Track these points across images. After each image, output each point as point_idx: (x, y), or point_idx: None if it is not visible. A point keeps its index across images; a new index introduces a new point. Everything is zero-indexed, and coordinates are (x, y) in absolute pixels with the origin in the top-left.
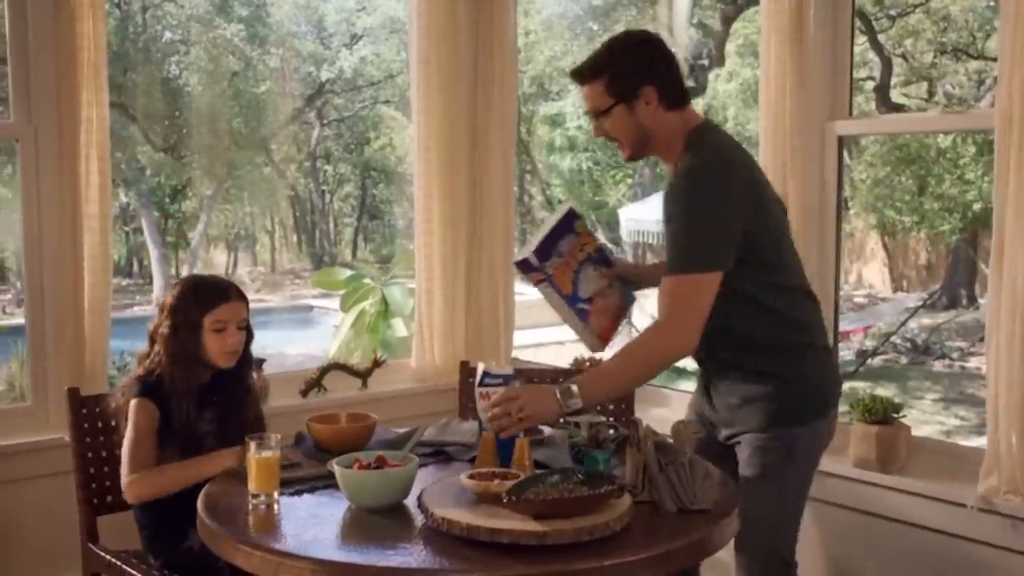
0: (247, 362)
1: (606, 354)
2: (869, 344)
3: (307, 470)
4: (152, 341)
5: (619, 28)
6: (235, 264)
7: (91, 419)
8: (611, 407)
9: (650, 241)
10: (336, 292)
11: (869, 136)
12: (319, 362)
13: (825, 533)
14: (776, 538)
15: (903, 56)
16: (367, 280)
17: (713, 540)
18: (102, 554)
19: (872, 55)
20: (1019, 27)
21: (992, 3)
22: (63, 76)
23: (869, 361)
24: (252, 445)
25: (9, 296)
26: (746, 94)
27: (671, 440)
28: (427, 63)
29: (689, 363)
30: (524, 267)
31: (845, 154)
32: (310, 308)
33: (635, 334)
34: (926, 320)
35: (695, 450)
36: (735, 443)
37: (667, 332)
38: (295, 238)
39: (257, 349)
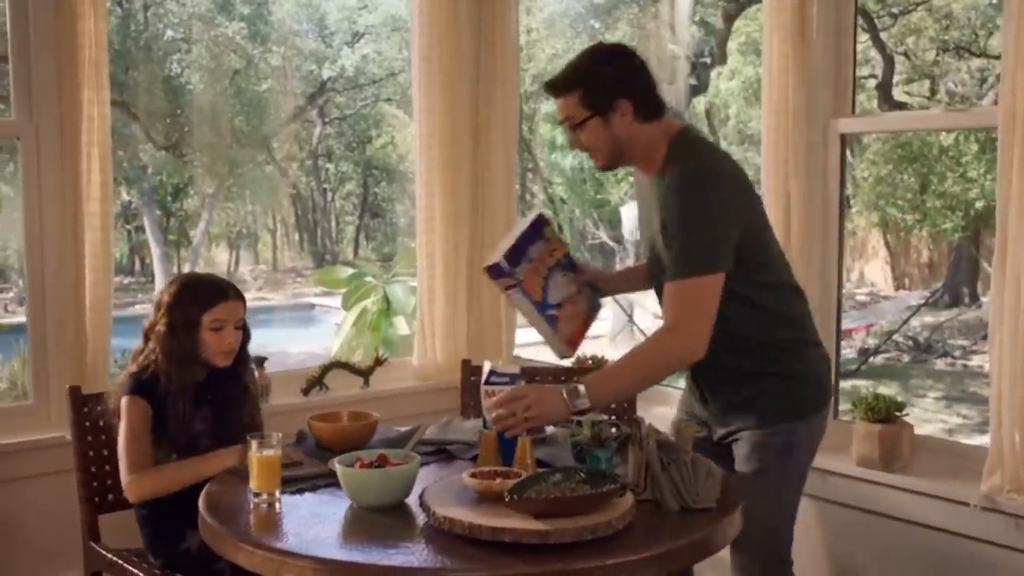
0: (244, 362)
1: (618, 354)
2: (871, 342)
3: (309, 469)
4: (147, 338)
5: (621, 26)
6: (237, 262)
7: (92, 417)
8: (613, 405)
9: None
10: (338, 290)
11: (871, 134)
12: (321, 360)
13: (828, 532)
14: (775, 537)
15: (905, 54)
16: (369, 278)
17: (716, 539)
18: (103, 553)
19: (874, 53)
20: (1023, 24)
21: (995, 1)
22: (64, 74)
23: (871, 359)
24: (254, 444)
25: (11, 294)
26: (748, 92)
27: (673, 439)
28: (429, 61)
29: None
30: (494, 272)
31: (847, 152)
32: (312, 306)
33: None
34: (928, 318)
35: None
36: (732, 440)
37: (678, 337)
38: (297, 236)
39: (259, 347)
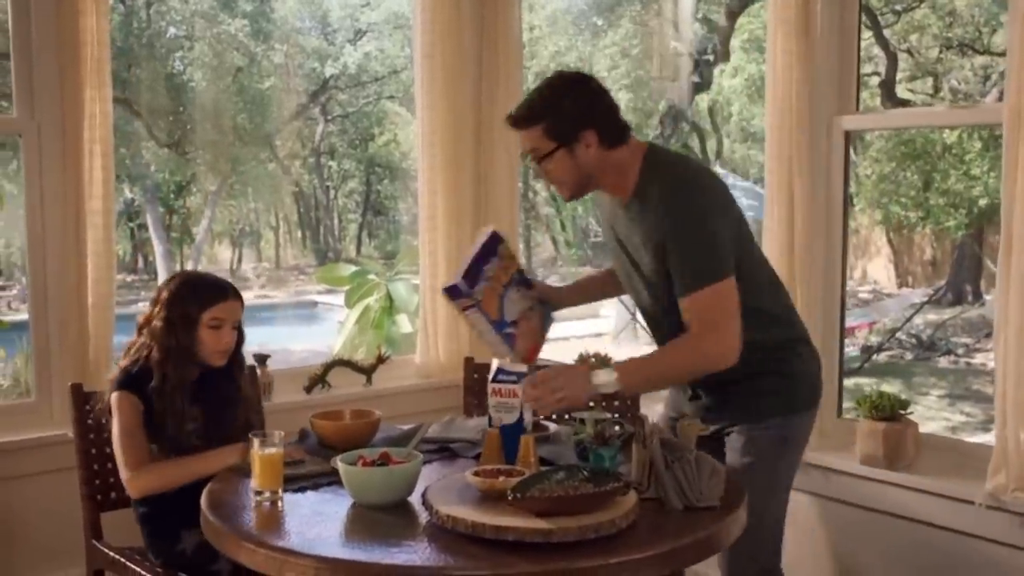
0: (239, 363)
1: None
2: (874, 340)
3: (311, 467)
4: (140, 331)
5: (624, 23)
6: (239, 260)
7: (95, 415)
8: (616, 403)
9: None
10: (341, 288)
11: (874, 131)
12: (323, 358)
13: (832, 530)
14: (764, 533)
15: (908, 51)
16: (372, 276)
17: (720, 537)
18: (105, 551)
19: (877, 50)
20: None
21: None
22: (66, 71)
23: (874, 357)
24: (256, 442)
25: (14, 292)
26: (751, 89)
27: (677, 437)
28: (431, 58)
29: None
30: (453, 293)
31: (850, 150)
32: (314, 304)
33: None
34: (931, 316)
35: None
36: (725, 434)
37: (715, 341)
38: (299, 234)
39: (261, 345)
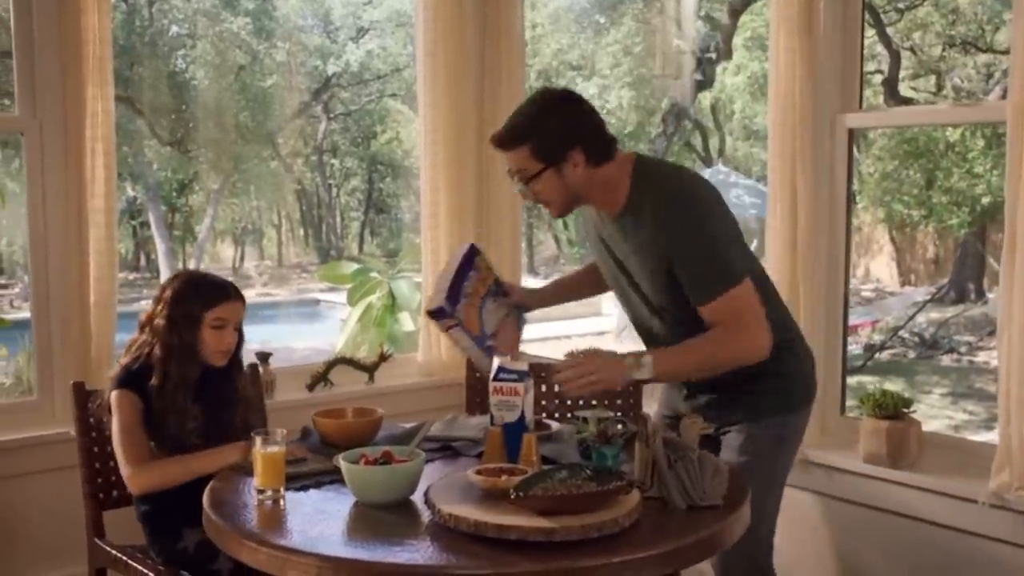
0: (238, 364)
1: None
2: (877, 338)
3: (313, 465)
4: (142, 329)
5: (626, 21)
6: (242, 258)
7: (97, 414)
8: (619, 402)
9: None
10: (343, 286)
11: (877, 129)
12: (326, 356)
13: (835, 529)
14: (760, 534)
15: (911, 49)
16: (374, 274)
17: (723, 536)
18: (108, 549)
19: (880, 48)
20: None
21: None
22: (68, 70)
23: (877, 355)
24: (258, 440)
25: (17, 290)
26: (754, 87)
27: (680, 436)
28: (434, 56)
29: None
30: (437, 315)
31: (854, 147)
32: (317, 302)
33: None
34: (934, 314)
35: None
36: (723, 433)
37: (746, 340)
38: (302, 232)
39: (263, 343)
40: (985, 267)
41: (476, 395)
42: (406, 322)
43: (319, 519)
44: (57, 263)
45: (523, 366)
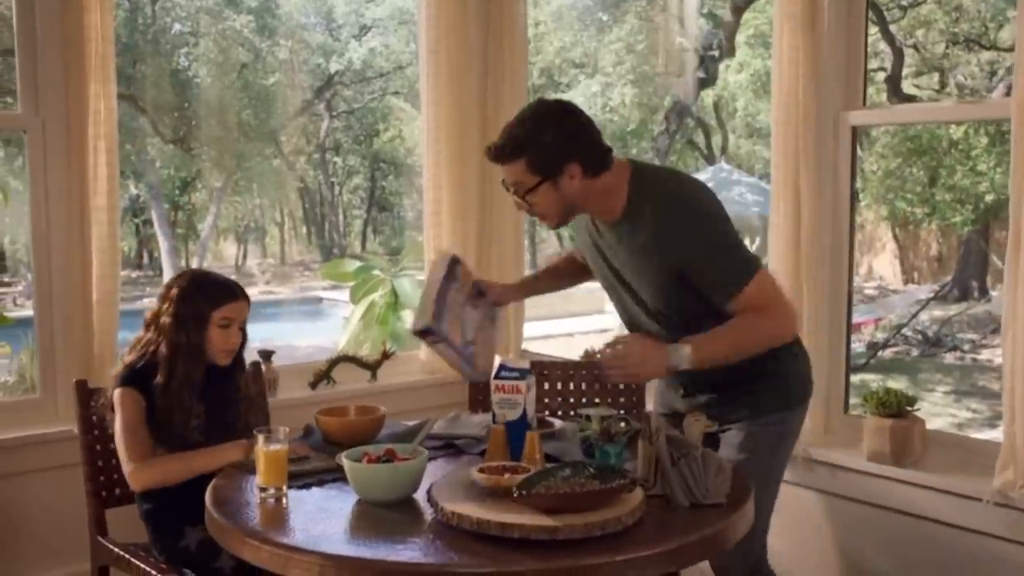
0: (240, 364)
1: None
2: (880, 336)
3: (315, 463)
4: (148, 327)
5: (629, 19)
6: (245, 256)
7: (99, 412)
8: (622, 399)
9: None
10: (345, 284)
11: (880, 127)
12: (328, 354)
13: (838, 527)
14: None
15: (915, 47)
16: (377, 272)
17: (726, 534)
18: (110, 547)
19: (883, 46)
20: None
21: None
22: (71, 68)
23: (880, 353)
24: (260, 438)
25: (20, 288)
26: (756, 85)
27: (683, 433)
28: (436, 54)
29: None
30: (425, 335)
31: (856, 145)
32: (319, 300)
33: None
34: (937, 312)
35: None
36: (722, 431)
37: (776, 324)
38: (304, 230)
39: (266, 341)
40: (988, 265)
41: (479, 393)
42: (409, 320)
43: (321, 517)
44: (60, 261)
45: (525, 364)
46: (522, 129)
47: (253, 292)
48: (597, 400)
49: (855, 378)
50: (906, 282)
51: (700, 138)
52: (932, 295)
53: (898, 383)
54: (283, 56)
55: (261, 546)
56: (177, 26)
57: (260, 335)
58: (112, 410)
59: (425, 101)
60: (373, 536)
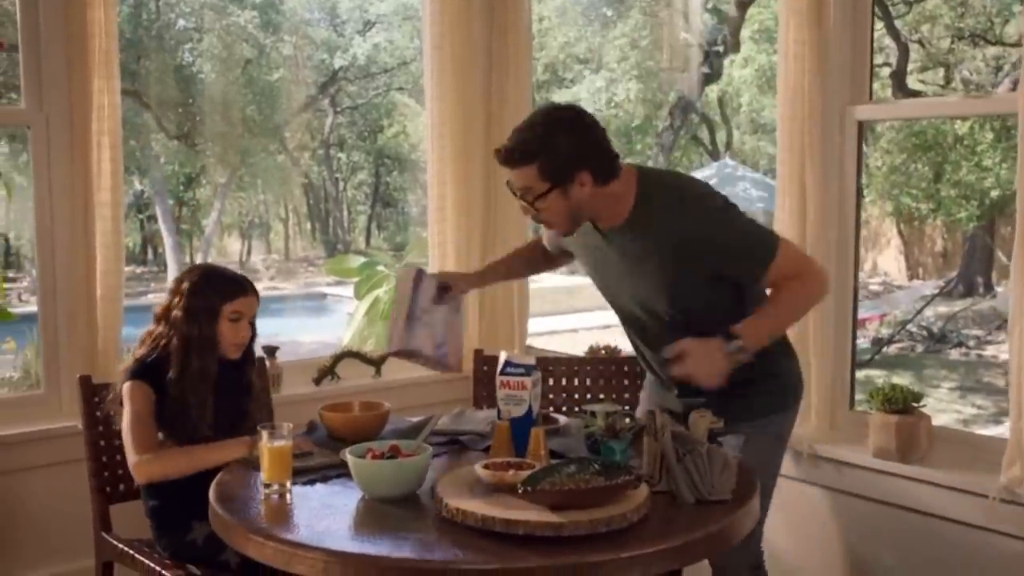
0: (250, 359)
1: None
2: (885, 332)
3: (320, 459)
4: (159, 321)
5: (633, 14)
6: (249, 252)
7: (103, 407)
8: (627, 395)
9: None
10: (350, 280)
11: (885, 122)
12: (333, 350)
13: (844, 524)
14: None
15: (920, 42)
16: (381, 267)
17: (732, 531)
18: (115, 543)
19: (888, 41)
20: None
21: None
22: (74, 63)
23: (884, 349)
24: (264, 434)
25: (25, 284)
26: (761, 80)
27: (688, 430)
28: (440, 49)
29: None
30: (403, 355)
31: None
32: (324, 296)
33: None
34: (942, 308)
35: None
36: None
37: (816, 279)
38: (309, 226)
39: (270, 337)
40: (994, 261)
41: (483, 389)
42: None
43: (326, 513)
44: (64, 257)
45: (530, 360)
46: (534, 134)
47: (257, 288)
48: (602, 396)
49: (860, 374)
50: (911, 278)
51: (704, 134)
52: (937, 291)
53: (903, 379)
54: (287, 52)
55: (265, 542)
56: (181, 22)
57: (264, 331)
58: (121, 404)
59: (429, 97)
60: (377, 532)
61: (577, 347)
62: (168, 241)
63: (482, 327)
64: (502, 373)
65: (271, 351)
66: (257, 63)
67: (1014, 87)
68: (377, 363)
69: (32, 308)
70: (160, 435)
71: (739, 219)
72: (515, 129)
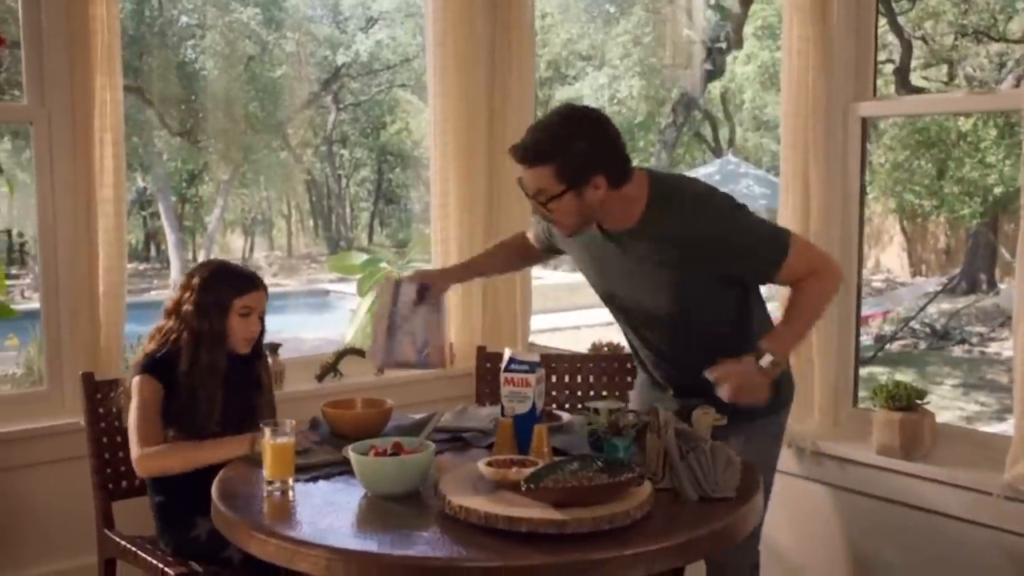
0: (259, 354)
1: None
2: (888, 329)
3: (322, 456)
4: (169, 316)
5: (636, 10)
6: (252, 248)
7: (106, 404)
8: (630, 392)
9: None
10: (352, 276)
11: (888, 119)
12: (335, 347)
13: (847, 521)
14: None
15: (923, 38)
16: (383, 264)
17: (735, 528)
18: (117, 539)
19: (892, 37)
20: None
21: None
22: (77, 60)
23: (888, 346)
24: (267, 431)
25: (28, 280)
26: (764, 77)
27: (692, 427)
28: (443, 46)
29: None
30: (387, 367)
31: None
32: (326, 292)
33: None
34: (945, 305)
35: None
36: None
37: (831, 273)
38: (311, 222)
39: (273, 334)
40: (997, 257)
41: (486, 386)
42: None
43: (328, 511)
44: (66, 253)
45: (535, 357)
46: (551, 134)
47: None
48: (605, 393)
49: (864, 371)
50: (914, 275)
51: (707, 130)
52: (940, 288)
53: (906, 376)
54: (290, 48)
55: (268, 540)
56: (184, 18)
57: (267, 327)
58: (130, 398)
59: (432, 94)
60: (380, 530)
61: (580, 344)
62: (171, 238)
63: (485, 324)
64: (506, 370)
65: (274, 348)
66: (260, 60)
67: (1018, 84)
68: None
69: (35, 305)
70: (170, 431)
71: (751, 220)
72: (531, 127)
